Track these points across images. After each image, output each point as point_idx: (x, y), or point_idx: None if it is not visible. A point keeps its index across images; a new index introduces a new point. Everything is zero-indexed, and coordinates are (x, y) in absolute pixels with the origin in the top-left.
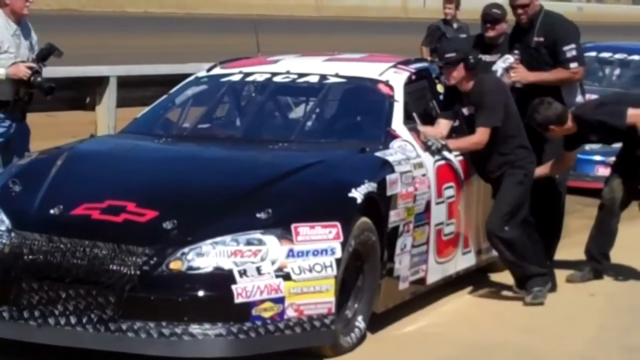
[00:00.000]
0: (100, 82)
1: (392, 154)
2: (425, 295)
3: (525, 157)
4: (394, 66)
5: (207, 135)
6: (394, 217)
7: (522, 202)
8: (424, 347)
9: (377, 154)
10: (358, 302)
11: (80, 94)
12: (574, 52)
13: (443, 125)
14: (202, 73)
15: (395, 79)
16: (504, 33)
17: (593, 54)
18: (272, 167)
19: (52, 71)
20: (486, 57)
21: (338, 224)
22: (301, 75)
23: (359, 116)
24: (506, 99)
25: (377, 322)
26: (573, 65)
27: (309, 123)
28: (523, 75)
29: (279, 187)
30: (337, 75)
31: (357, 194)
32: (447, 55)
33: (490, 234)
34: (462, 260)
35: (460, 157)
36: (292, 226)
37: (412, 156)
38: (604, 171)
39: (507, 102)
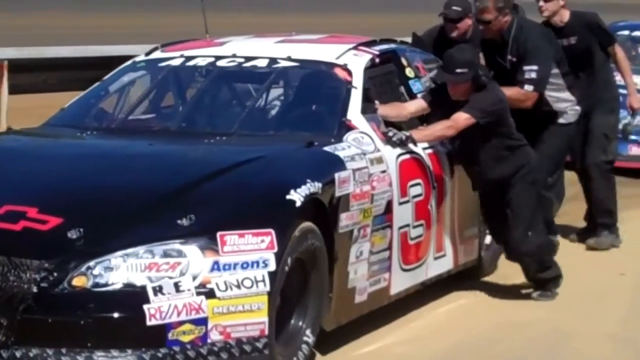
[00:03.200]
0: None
1: (345, 148)
2: (392, 308)
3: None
4: (354, 48)
5: (138, 128)
6: (346, 220)
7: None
8: None
9: (327, 148)
10: (303, 319)
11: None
12: (533, 75)
13: (410, 106)
14: (141, 57)
15: (354, 62)
16: (469, 28)
17: (626, 32)
18: (201, 165)
19: (83, 50)
20: None
21: (272, 231)
22: (248, 59)
23: (311, 105)
24: (502, 109)
25: (330, 341)
26: (528, 87)
27: (253, 113)
28: None
29: (206, 189)
30: (288, 59)
31: (297, 195)
32: (459, 71)
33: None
34: (435, 266)
35: (430, 150)
36: (218, 234)
37: (369, 150)
38: (637, 150)
39: (501, 111)
